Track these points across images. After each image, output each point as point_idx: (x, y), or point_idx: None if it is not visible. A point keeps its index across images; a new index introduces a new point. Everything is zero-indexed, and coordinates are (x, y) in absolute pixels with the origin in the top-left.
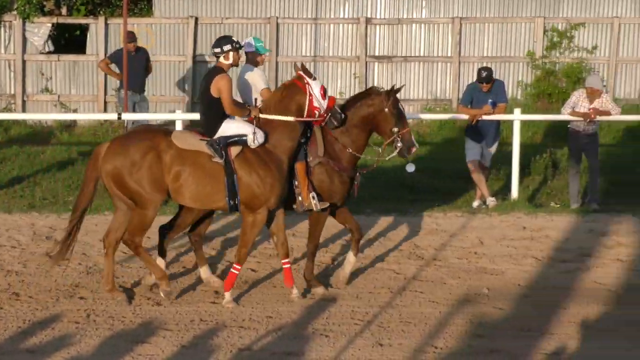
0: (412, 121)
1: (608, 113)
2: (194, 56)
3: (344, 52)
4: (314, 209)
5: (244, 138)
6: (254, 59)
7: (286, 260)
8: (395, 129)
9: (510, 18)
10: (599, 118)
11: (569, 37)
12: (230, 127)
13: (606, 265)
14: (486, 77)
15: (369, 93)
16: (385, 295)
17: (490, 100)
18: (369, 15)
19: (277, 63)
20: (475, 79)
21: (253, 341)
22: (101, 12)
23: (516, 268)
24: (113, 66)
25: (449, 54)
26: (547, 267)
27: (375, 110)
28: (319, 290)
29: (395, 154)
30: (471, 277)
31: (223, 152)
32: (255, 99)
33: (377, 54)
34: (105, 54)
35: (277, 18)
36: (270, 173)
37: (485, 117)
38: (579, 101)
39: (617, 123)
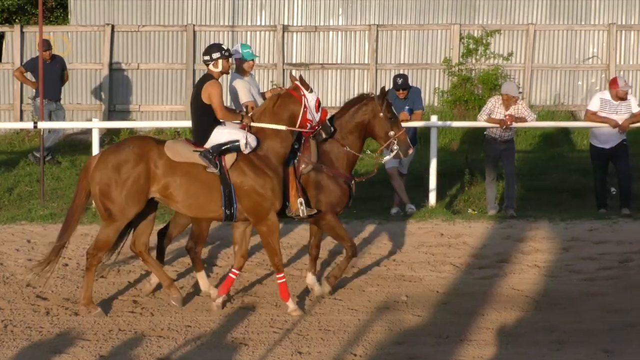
0: None
1: (524, 120)
2: (111, 64)
3: (261, 60)
4: (301, 214)
5: (237, 144)
6: (240, 66)
7: (236, 272)
8: (392, 133)
9: (427, 25)
10: (515, 125)
11: (485, 44)
12: (221, 134)
13: (523, 271)
14: (402, 84)
15: (362, 99)
16: (304, 303)
17: (406, 107)
18: (286, 23)
19: (194, 71)
20: (392, 86)
21: (172, 351)
22: (17, 20)
23: (434, 275)
24: (29, 75)
25: (366, 61)
26: (464, 274)
27: (370, 116)
28: (322, 290)
29: (392, 156)
30: (390, 284)
31: (217, 161)
32: (246, 107)
33: (294, 61)
34: (21, 63)
35: (193, 25)
36: (269, 178)
37: (402, 125)
38: (495, 108)
39: (533, 129)
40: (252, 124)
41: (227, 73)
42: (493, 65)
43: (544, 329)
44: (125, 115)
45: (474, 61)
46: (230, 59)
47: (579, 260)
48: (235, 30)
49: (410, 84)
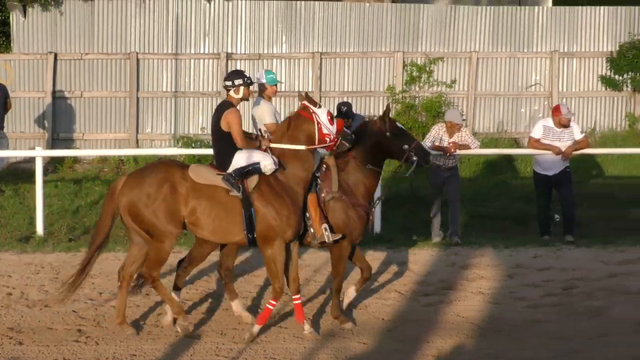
0: None
1: (468, 147)
2: (54, 92)
3: (205, 87)
4: (327, 240)
5: (257, 166)
6: (264, 91)
7: (297, 296)
8: (406, 146)
9: (370, 53)
10: (458, 152)
11: (428, 71)
12: (242, 159)
13: (468, 298)
14: (346, 112)
15: (367, 125)
16: (249, 331)
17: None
18: (229, 50)
19: (137, 99)
20: (335, 114)
21: None
22: None
23: (379, 302)
24: None
25: (310, 89)
26: (409, 301)
27: (379, 137)
28: (347, 326)
29: (413, 168)
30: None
31: (240, 185)
32: (260, 130)
33: None
34: None
35: (137, 53)
36: (285, 205)
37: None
38: (439, 135)
39: (476, 157)
40: (272, 144)
41: (247, 100)
42: (436, 93)
43: (488, 355)
44: (69, 143)
45: (417, 88)
46: (251, 87)
47: (523, 287)
48: (179, 58)
49: (354, 112)
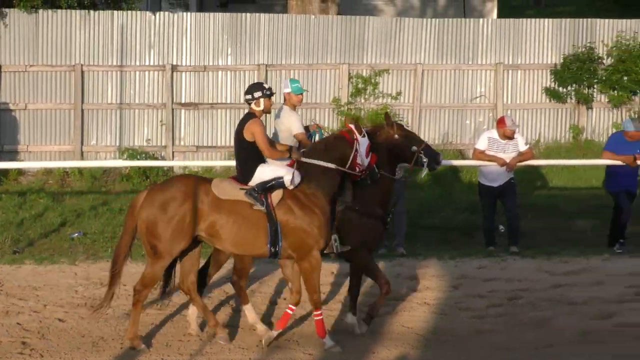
0: (219, 168)
1: None
2: None
3: (150, 99)
4: (335, 251)
5: (281, 180)
6: (290, 100)
7: (293, 307)
8: (415, 148)
9: (316, 65)
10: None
11: (374, 83)
12: (265, 172)
13: (413, 309)
14: None
15: (375, 132)
16: (195, 343)
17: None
18: (174, 62)
19: (82, 111)
20: None
21: None
22: None
23: (325, 313)
24: None
25: None
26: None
27: (389, 142)
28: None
29: (425, 170)
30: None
31: (263, 199)
32: (300, 142)
33: (183, 100)
34: None
35: (81, 65)
36: (316, 216)
37: None
38: None
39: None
40: (303, 159)
41: (269, 112)
42: (382, 105)
43: None
44: (13, 155)
45: (363, 100)
46: (271, 98)
47: (468, 297)
48: (124, 70)
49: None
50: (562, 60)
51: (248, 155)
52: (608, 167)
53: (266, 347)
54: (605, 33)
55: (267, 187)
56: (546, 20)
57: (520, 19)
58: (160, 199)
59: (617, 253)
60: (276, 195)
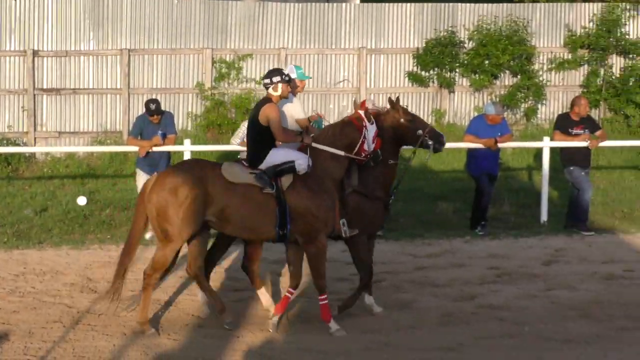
0: (82, 154)
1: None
2: None
3: (12, 85)
4: (344, 235)
5: (292, 164)
6: (294, 86)
7: (292, 290)
8: (420, 132)
9: (179, 50)
10: None
11: (237, 68)
12: (276, 156)
13: (277, 293)
14: (155, 109)
15: (380, 116)
16: (58, 330)
17: (160, 132)
18: (36, 48)
19: None
20: (144, 110)
21: None
22: None
23: (189, 298)
24: None
25: (119, 86)
26: (222, 297)
27: (395, 126)
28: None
29: (430, 152)
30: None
31: (273, 182)
32: (307, 127)
33: (45, 86)
34: None
35: None
36: (324, 201)
37: (155, 149)
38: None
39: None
40: (313, 144)
41: (286, 97)
42: (246, 89)
43: (298, 349)
44: None
45: (226, 85)
46: (289, 84)
47: (332, 280)
48: None
49: (163, 109)
50: (424, 45)
51: (261, 139)
52: (469, 150)
53: (277, 332)
54: (466, 17)
55: (278, 171)
56: (408, 4)
57: (383, 4)
58: (171, 182)
59: (479, 235)
60: (286, 179)
